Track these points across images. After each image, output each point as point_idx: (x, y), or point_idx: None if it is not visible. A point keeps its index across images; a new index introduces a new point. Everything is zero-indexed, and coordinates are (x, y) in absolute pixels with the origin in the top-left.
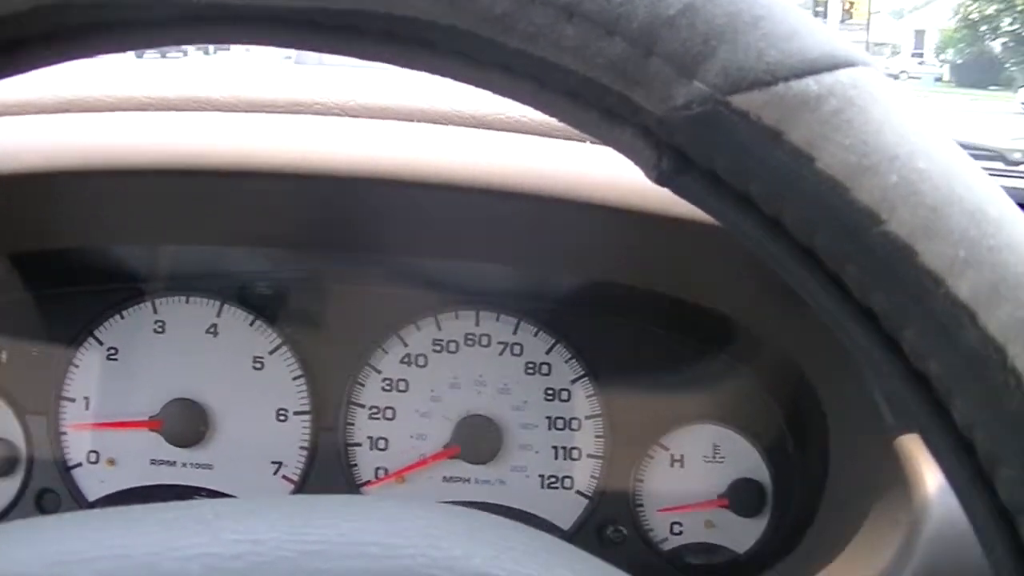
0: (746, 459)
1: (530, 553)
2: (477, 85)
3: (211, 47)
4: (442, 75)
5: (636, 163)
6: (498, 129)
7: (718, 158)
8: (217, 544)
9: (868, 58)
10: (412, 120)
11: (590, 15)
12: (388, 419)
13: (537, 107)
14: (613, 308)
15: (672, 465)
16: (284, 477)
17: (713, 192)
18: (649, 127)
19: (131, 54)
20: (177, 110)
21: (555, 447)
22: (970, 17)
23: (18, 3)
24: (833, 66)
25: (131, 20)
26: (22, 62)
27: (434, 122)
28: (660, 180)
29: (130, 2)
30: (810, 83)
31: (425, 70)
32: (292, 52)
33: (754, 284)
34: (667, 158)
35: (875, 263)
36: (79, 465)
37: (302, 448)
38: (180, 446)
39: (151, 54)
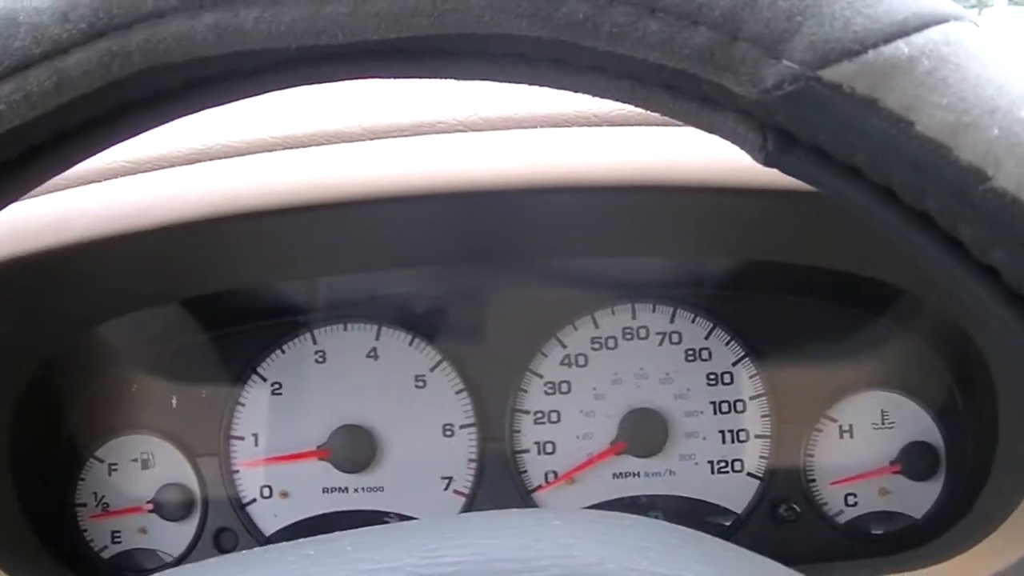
0: (916, 422)
1: (667, 551)
2: (576, 90)
3: None
4: (541, 85)
5: (742, 147)
6: (621, 124)
7: (819, 133)
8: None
9: (959, 11)
10: (534, 126)
11: (671, 8)
12: (553, 422)
13: (637, 104)
14: (768, 286)
15: (841, 436)
16: (455, 491)
17: (821, 167)
18: (749, 111)
19: None
20: (305, 146)
21: (722, 431)
22: None
23: (119, 70)
24: (923, 25)
25: (230, 72)
26: (127, 127)
27: (557, 125)
28: (767, 161)
29: (227, 54)
30: (900, 46)
31: (524, 82)
32: None
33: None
34: (771, 139)
35: (987, 220)
36: (253, 501)
37: (471, 461)
38: (350, 472)
39: None
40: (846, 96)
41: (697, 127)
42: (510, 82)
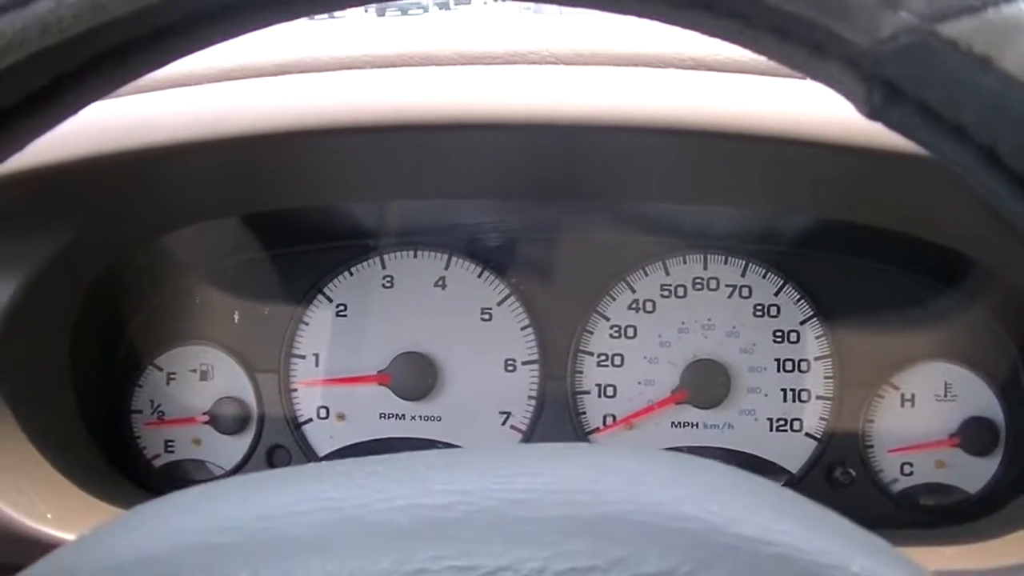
0: (978, 397)
1: (738, 495)
2: (684, 26)
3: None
4: (648, 17)
5: (846, 98)
6: (716, 70)
7: (928, 89)
8: (425, 495)
9: None
10: (629, 65)
11: None
12: (616, 366)
13: (744, 45)
14: (842, 247)
15: (902, 404)
16: (512, 427)
17: (925, 124)
18: (857, 61)
19: (372, 12)
20: (394, 66)
21: (784, 389)
22: None
23: None
24: None
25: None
26: (167, 51)
27: (651, 66)
28: (871, 114)
29: None
30: (1022, 5)
31: (632, 13)
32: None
33: (985, 217)
34: (877, 91)
35: None
36: (309, 421)
37: (530, 398)
38: (409, 399)
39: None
40: (961, 53)
41: (803, 74)
42: (619, 12)
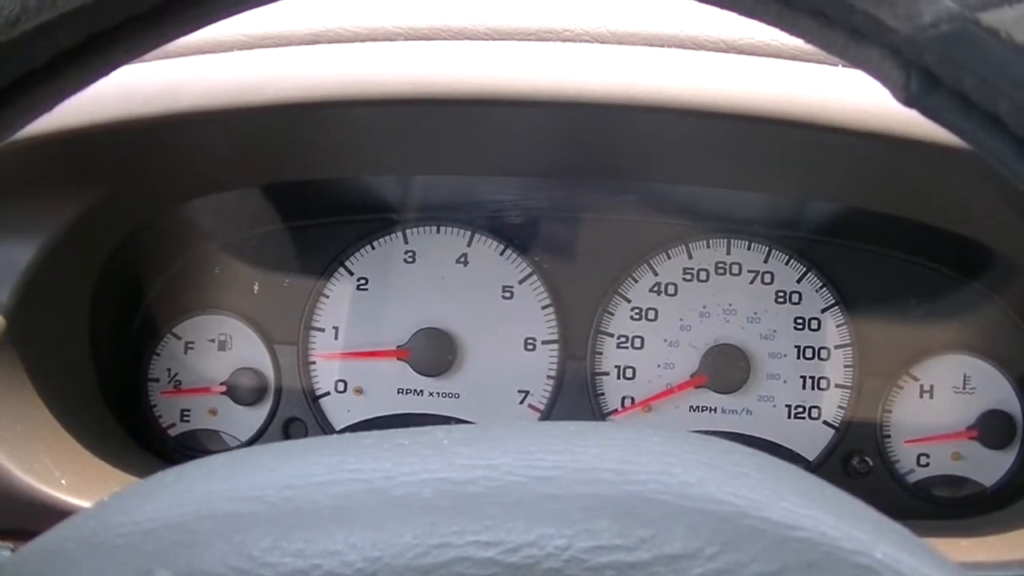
0: (997, 390)
1: (765, 479)
2: (725, 7)
3: None
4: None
5: (883, 84)
6: (748, 54)
7: (967, 77)
8: (450, 469)
9: None
10: (662, 45)
11: None
12: (636, 348)
13: (783, 27)
14: (865, 236)
15: (921, 396)
16: (530, 406)
17: (962, 113)
18: (897, 47)
19: None
20: (427, 39)
21: (803, 377)
22: None
23: None
24: None
25: None
26: (200, 15)
27: (684, 47)
28: (908, 101)
29: None
30: None
31: None
32: None
33: (1010, 210)
34: (915, 78)
35: None
36: (327, 394)
37: (549, 377)
38: (428, 375)
39: None
40: (1002, 42)
41: (841, 58)
42: None
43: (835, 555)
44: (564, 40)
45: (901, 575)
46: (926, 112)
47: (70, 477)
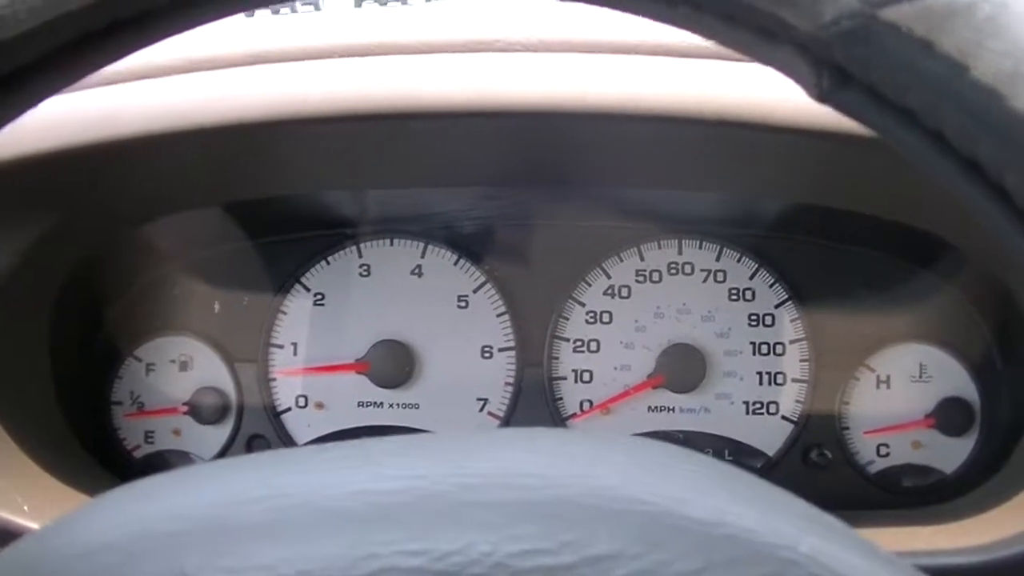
0: (954, 378)
1: (691, 478)
2: (635, 13)
3: None
4: (599, 5)
5: (796, 82)
6: (681, 56)
7: (874, 73)
8: (378, 480)
9: None
10: (592, 52)
11: None
12: (592, 351)
13: (693, 30)
14: (816, 231)
15: (878, 386)
16: (490, 413)
17: (874, 107)
18: (806, 45)
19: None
20: (360, 55)
21: (760, 373)
22: None
23: None
24: None
25: None
26: (183, 20)
27: (617, 53)
28: (821, 98)
29: None
30: None
31: (589, 2)
32: None
33: (957, 200)
34: (826, 75)
35: None
36: (288, 410)
37: (507, 384)
38: (387, 387)
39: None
40: (903, 37)
41: (753, 58)
42: (567, 0)
43: (760, 551)
44: (496, 51)
45: (826, 567)
46: (839, 108)
47: (33, 502)
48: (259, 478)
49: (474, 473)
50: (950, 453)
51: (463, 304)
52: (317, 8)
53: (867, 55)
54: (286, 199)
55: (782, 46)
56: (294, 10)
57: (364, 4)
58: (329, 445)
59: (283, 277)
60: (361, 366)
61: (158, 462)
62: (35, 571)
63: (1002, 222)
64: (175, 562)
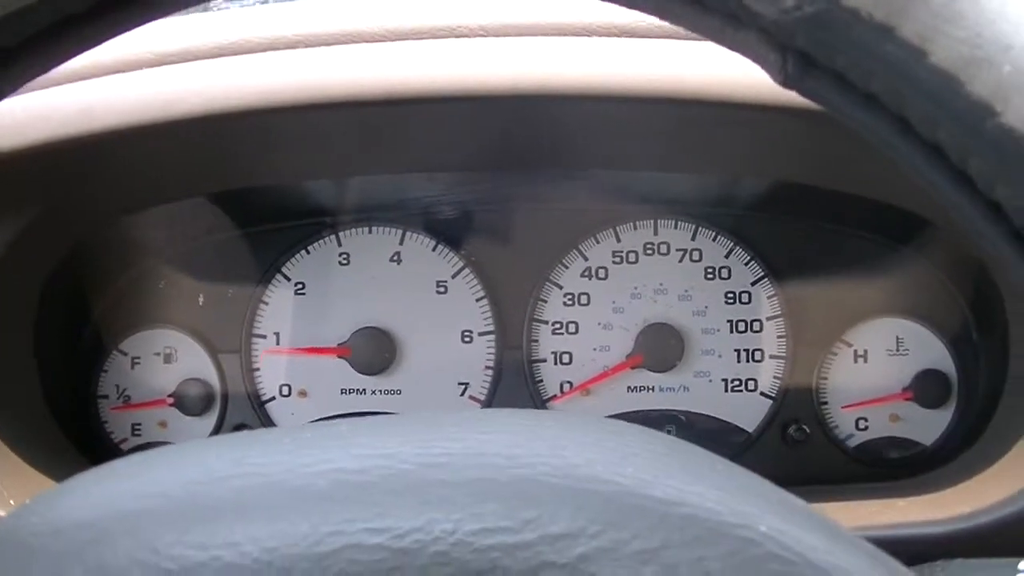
0: (930, 350)
1: (654, 459)
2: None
3: None
4: None
5: (763, 67)
6: (644, 37)
7: (838, 58)
8: (346, 459)
9: None
10: (555, 35)
11: None
12: (571, 333)
13: (661, 16)
14: (790, 208)
15: (856, 361)
16: (471, 397)
17: (839, 92)
18: (770, 30)
19: None
20: (326, 45)
21: (738, 350)
22: None
23: None
24: None
25: None
26: (138, 12)
27: (578, 35)
28: (787, 83)
29: None
30: None
31: None
32: None
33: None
34: (791, 60)
35: (994, 156)
36: (272, 399)
37: (487, 368)
38: (369, 374)
39: None
40: (863, 21)
41: (720, 44)
42: None
43: (718, 529)
44: (460, 36)
45: (783, 545)
46: (805, 93)
47: (20, 498)
48: (232, 457)
49: (438, 452)
50: (928, 425)
51: (442, 290)
52: None
53: (829, 40)
54: (265, 189)
55: (748, 32)
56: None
57: None
58: (299, 427)
59: (264, 267)
60: (343, 350)
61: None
62: (10, 549)
63: (965, 204)
64: (147, 539)
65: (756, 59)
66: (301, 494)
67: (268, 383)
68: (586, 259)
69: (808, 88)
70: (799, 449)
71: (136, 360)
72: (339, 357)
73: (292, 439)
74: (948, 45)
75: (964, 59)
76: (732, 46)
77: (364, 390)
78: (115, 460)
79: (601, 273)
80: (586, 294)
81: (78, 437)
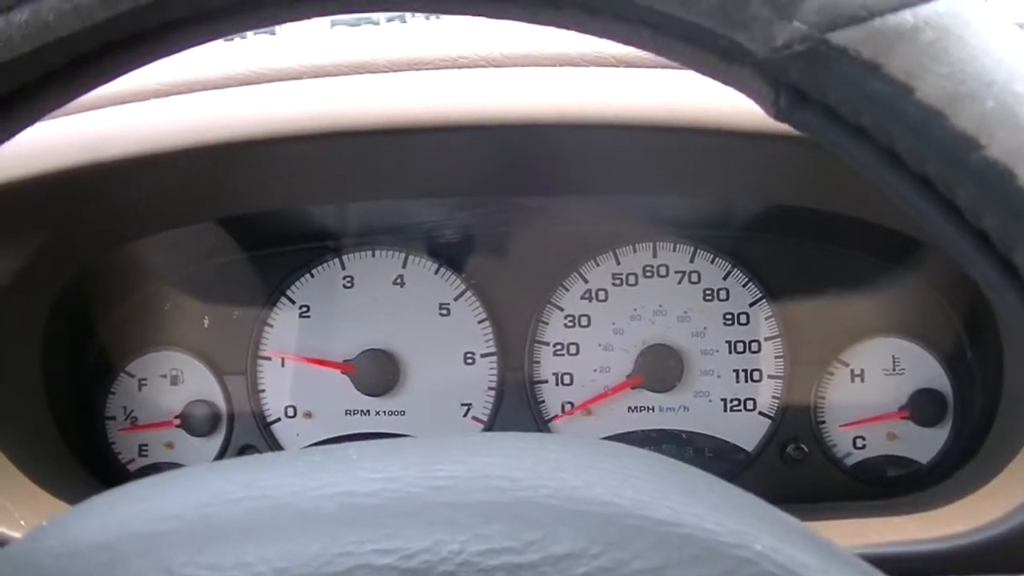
0: (926, 369)
1: (652, 480)
2: (598, 35)
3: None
4: (563, 27)
5: (756, 101)
6: (640, 67)
7: (828, 93)
8: (354, 483)
9: None
10: (556, 65)
11: None
12: (572, 355)
13: (656, 51)
14: (787, 230)
15: (852, 380)
16: (474, 418)
17: (830, 126)
18: (763, 66)
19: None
20: (330, 75)
21: (736, 370)
22: None
23: None
24: None
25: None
26: (174, 42)
27: (576, 65)
28: (779, 116)
29: None
30: (906, 15)
31: (550, 25)
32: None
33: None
34: (783, 95)
35: (980, 188)
36: (278, 420)
37: (490, 389)
38: (373, 395)
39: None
40: (852, 59)
41: (714, 78)
42: (538, 24)
43: (716, 549)
44: (461, 67)
45: (779, 564)
46: (796, 126)
47: (31, 519)
48: (243, 480)
49: (445, 476)
50: (925, 443)
51: (445, 312)
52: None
53: (820, 77)
54: (269, 215)
55: (741, 67)
56: (272, 33)
57: (336, 26)
58: (309, 449)
59: (269, 290)
60: (348, 367)
61: (153, 474)
62: (26, 571)
63: (954, 234)
64: (161, 560)
65: (749, 93)
66: (311, 516)
67: (273, 404)
68: (586, 281)
69: (800, 121)
70: (798, 468)
71: (143, 382)
72: (343, 373)
73: (301, 462)
74: (933, 82)
75: (949, 95)
76: (725, 80)
77: (368, 411)
78: (128, 483)
79: (601, 295)
80: (587, 316)
81: (86, 458)
